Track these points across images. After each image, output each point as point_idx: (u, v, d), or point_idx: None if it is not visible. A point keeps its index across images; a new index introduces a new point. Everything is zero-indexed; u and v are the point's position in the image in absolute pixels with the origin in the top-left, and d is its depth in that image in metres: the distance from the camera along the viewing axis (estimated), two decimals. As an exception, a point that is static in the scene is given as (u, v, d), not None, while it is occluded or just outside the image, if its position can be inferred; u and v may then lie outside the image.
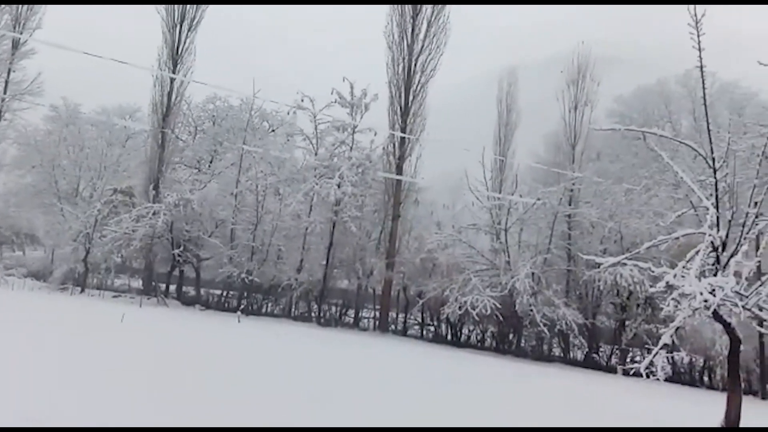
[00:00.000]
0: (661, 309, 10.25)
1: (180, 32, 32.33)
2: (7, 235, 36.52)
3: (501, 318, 22.60)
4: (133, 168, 35.53)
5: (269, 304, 27.94)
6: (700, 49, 10.86)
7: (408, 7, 29.13)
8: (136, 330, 15.77)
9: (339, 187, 26.13)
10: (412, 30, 29.07)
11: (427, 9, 29.20)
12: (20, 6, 34.96)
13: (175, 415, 6.90)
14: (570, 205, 24.18)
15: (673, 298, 9.87)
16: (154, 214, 26.93)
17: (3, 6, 34.36)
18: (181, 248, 27.87)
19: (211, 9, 33.02)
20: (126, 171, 35.91)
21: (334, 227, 26.95)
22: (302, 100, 29.04)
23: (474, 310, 21.55)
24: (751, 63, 18.65)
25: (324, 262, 27.01)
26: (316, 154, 29.26)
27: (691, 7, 10.70)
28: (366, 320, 27.23)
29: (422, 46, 28.94)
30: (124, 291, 29.27)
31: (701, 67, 11.16)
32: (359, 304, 27.44)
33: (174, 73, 32.16)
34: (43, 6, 35.04)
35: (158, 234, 27.63)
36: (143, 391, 8.10)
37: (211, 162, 33.35)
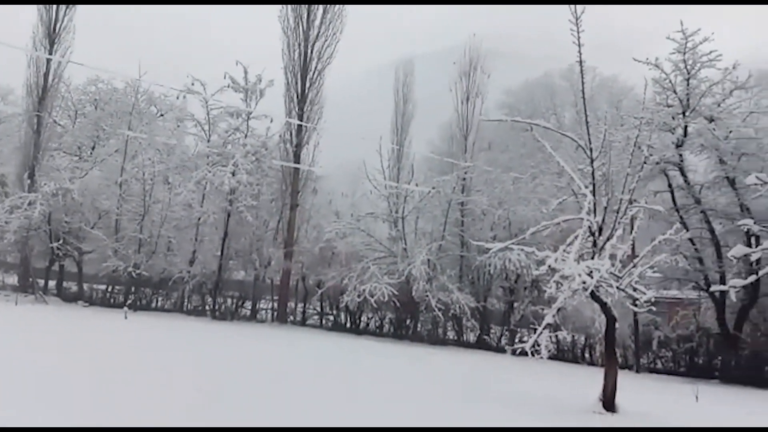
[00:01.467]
0: (545, 291, 10.77)
1: (57, 9, 29.90)
2: None
3: (398, 304, 22.99)
4: (6, 154, 32.55)
5: (160, 299, 26.69)
6: (579, 45, 11.50)
7: (303, -7, 28.62)
8: (10, 330, 14.51)
9: (233, 175, 25.38)
10: (308, 16, 28.62)
11: (321, -7, 28.80)
12: None
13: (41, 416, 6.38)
14: (463, 193, 24.96)
15: (554, 281, 10.40)
16: (29, 204, 24.87)
17: None
18: (61, 241, 25.98)
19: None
20: (-3, 158, 32.85)
21: (228, 217, 26.17)
22: (192, 84, 27.86)
23: (372, 297, 21.79)
24: (627, 59, 20.06)
25: (219, 254, 26.19)
26: (208, 141, 28.21)
27: (572, 5, 11.32)
28: (264, 312, 26.73)
29: (318, 33, 28.57)
30: (-3, 288, 26.87)
31: (580, 62, 11.83)
32: (256, 296, 26.89)
33: (51, 53, 29.74)
34: None
35: (35, 226, 25.55)
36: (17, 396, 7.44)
37: (93, 148, 31.07)
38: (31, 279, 26.69)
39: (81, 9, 30.37)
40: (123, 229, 26.63)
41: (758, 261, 17.78)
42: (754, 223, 17.77)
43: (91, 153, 30.45)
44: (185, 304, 26.17)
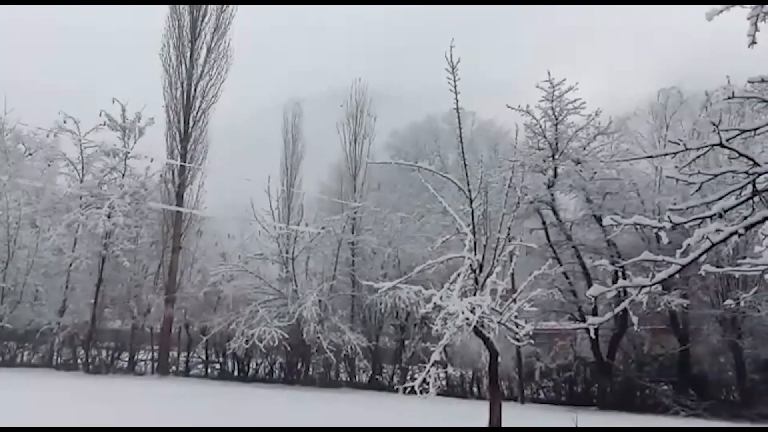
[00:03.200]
0: (433, 328, 10.96)
1: None
2: None
3: (289, 348, 22.44)
4: None
5: (26, 353, 24.29)
6: (456, 92, 12.11)
7: (186, 31, 28.13)
8: None
9: (109, 217, 23.92)
10: (191, 55, 28.06)
11: (206, 35, 28.47)
12: None
13: None
14: (353, 232, 25.10)
15: (440, 318, 10.62)
16: None
17: None
18: None
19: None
20: None
21: (103, 262, 24.52)
22: (65, 122, 26.29)
23: (261, 342, 21.11)
24: (502, 104, 21.39)
25: (92, 302, 24.36)
26: (81, 182, 26.50)
27: (449, 53, 11.93)
28: (143, 363, 25.04)
29: (202, 72, 28.06)
30: None
31: (457, 108, 12.44)
32: (134, 346, 25.14)
33: None
34: None
35: None
36: None
37: (-52, 190, 28.19)
38: None
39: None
40: (-17, 277, 24.13)
41: (624, 292, 19.18)
42: (613, 260, 19.21)
43: (-55, 194, 27.54)
44: (55, 357, 23.98)
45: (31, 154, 31.31)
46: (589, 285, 20.81)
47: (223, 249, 26.92)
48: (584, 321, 20.93)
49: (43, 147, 30.45)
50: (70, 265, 24.31)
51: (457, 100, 12.23)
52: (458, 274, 11.46)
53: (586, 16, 69.89)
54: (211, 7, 28.67)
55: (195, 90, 27.90)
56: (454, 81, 12.01)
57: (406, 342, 23.18)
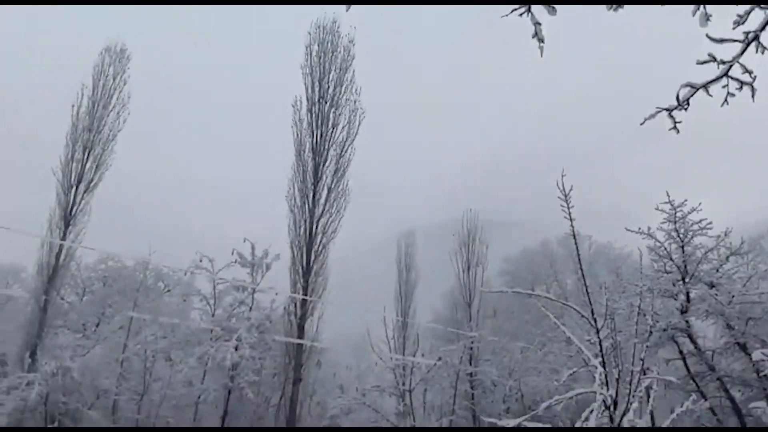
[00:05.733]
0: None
1: (76, 193, 31.67)
2: None
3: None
4: (9, 333, 32.39)
5: (152, 485, 24.95)
6: (571, 220, 12.06)
7: (309, 175, 30.57)
8: None
9: (236, 350, 25.04)
10: (314, 195, 30.21)
11: (327, 177, 30.77)
12: None
13: None
14: (471, 363, 24.46)
15: (575, 460, 9.89)
16: (27, 384, 24.20)
17: None
18: (56, 423, 24.86)
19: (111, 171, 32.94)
20: (1, 336, 32.66)
21: (229, 394, 25.34)
22: (200, 260, 28.60)
23: (380, 480, 20.36)
24: (619, 227, 20.85)
25: (214, 435, 24.98)
26: (213, 315, 28.26)
27: (559, 182, 12.10)
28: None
29: (323, 210, 29.98)
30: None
31: (574, 235, 12.34)
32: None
33: (65, 233, 30.96)
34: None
35: (30, 407, 24.64)
36: None
37: (97, 325, 31.09)
38: (18, 467, 25.15)
39: (99, 192, 32.16)
40: (121, 409, 25.69)
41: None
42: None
43: (95, 330, 30.38)
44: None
45: (169, 291, 34.25)
46: (741, 421, 18.54)
47: (341, 380, 27.04)
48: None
49: (180, 284, 33.29)
50: (199, 397, 25.35)
51: (572, 227, 12.14)
52: (591, 411, 10.77)
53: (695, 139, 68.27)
54: (332, 152, 31.28)
55: (317, 227, 29.71)
56: (568, 208, 12.02)
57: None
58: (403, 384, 23.80)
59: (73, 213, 31.31)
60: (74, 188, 31.66)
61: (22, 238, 30.52)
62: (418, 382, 23.83)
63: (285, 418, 25.26)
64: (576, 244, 12.56)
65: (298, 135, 30.86)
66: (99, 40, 34.15)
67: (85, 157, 32.44)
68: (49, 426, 24.75)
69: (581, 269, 12.81)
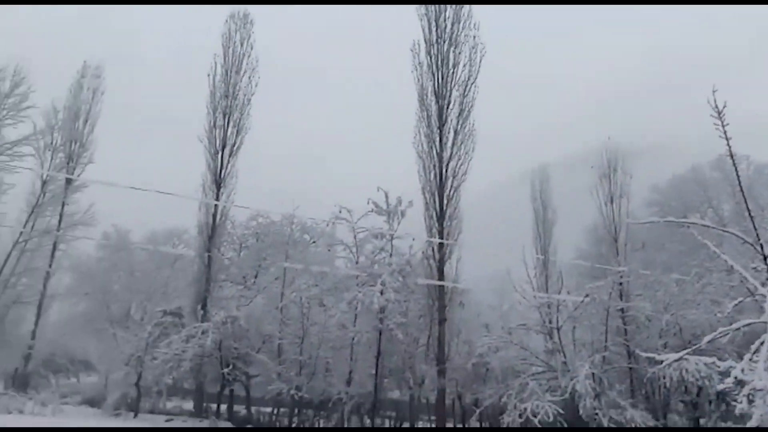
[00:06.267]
0: (735, 406, 9.82)
1: (222, 157, 34.22)
2: (62, 363, 37.14)
3: (565, 424, 21.57)
4: (182, 289, 36.36)
5: (321, 421, 27.29)
6: (727, 138, 11.04)
7: (434, 120, 30.49)
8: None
9: (382, 294, 26.15)
10: (440, 139, 30.18)
11: (452, 120, 30.51)
12: (73, 143, 37.97)
13: None
14: (621, 299, 23.68)
15: (744, 395, 9.50)
16: (203, 333, 27.21)
17: (58, 144, 37.33)
18: (230, 366, 27.83)
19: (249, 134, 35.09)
20: (175, 292, 36.78)
21: (380, 335, 26.72)
22: (340, 212, 29.86)
23: (536, 417, 20.64)
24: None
25: (373, 372, 26.56)
26: (356, 263, 29.65)
27: (711, 98, 10.98)
28: (423, 433, 26.27)
29: (451, 153, 29.89)
30: (176, 414, 29.10)
31: (731, 155, 11.31)
32: (414, 416, 26.56)
33: (218, 195, 33.76)
34: (94, 143, 38.25)
35: (207, 353, 27.76)
36: None
37: (256, 277, 33.99)
38: (204, 404, 28.67)
39: (241, 155, 34.54)
40: (285, 352, 28.10)
41: None
42: None
43: (254, 282, 33.25)
44: (345, 425, 26.50)
45: (314, 242, 36.35)
46: None
47: (485, 320, 27.44)
48: None
49: (323, 235, 35.20)
50: (353, 338, 27.02)
51: (729, 146, 11.17)
52: (761, 343, 10.16)
53: None
54: (455, 93, 30.88)
55: (446, 171, 29.79)
56: (723, 126, 11.07)
57: (702, 420, 20.56)
58: (550, 322, 23.66)
59: (222, 176, 34.03)
60: (220, 153, 34.29)
61: (181, 202, 33.74)
62: (565, 319, 23.54)
63: (434, 356, 26.30)
64: (734, 164, 11.60)
65: (418, 79, 30.70)
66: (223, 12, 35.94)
67: (226, 122, 34.88)
68: (225, 369, 27.72)
69: (742, 192, 11.88)
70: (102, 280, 36.19)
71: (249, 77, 35.41)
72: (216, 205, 33.46)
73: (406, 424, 26.39)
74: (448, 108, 30.66)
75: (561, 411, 20.92)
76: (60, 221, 36.18)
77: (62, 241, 36.31)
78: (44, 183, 35.97)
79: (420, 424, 26.65)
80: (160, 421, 26.59)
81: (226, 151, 34.41)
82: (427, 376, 25.58)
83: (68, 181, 36.50)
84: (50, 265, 35.44)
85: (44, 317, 36.17)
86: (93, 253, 38.15)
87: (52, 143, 36.92)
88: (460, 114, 30.42)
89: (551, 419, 20.60)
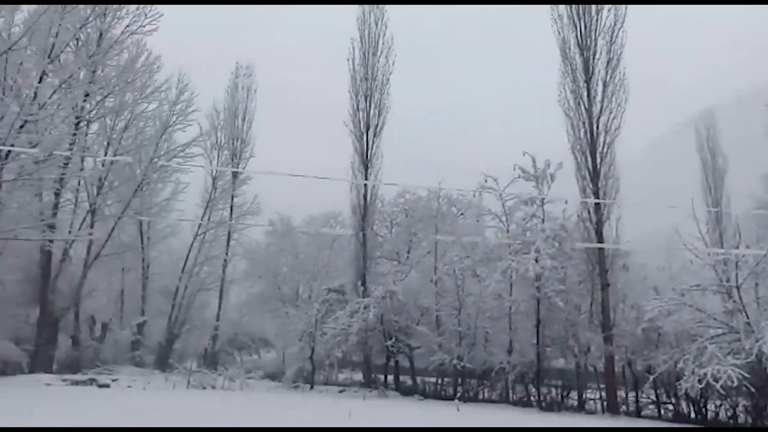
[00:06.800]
0: None
1: (367, 139, 35.32)
2: (244, 341, 41.25)
3: (752, 389, 19.81)
4: (342, 267, 38.47)
5: (485, 390, 27.59)
6: None
7: (579, 73, 28.87)
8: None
9: (537, 261, 25.59)
10: (588, 93, 28.56)
11: (599, 71, 28.68)
12: (235, 141, 41.41)
13: None
14: (815, 251, 21.03)
15: None
16: (365, 308, 28.57)
17: (222, 143, 40.94)
18: (393, 339, 29.00)
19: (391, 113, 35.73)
20: (336, 271, 39.04)
21: (539, 304, 26.22)
22: (486, 181, 29.50)
23: (717, 382, 19.15)
24: None
25: (534, 342, 26.21)
26: (507, 231, 29.25)
27: None
28: (592, 402, 25.49)
29: (601, 107, 28.20)
30: (347, 385, 31.09)
31: None
32: (581, 385, 25.88)
33: (366, 175, 34.98)
34: (253, 138, 41.47)
35: (371, 327, 29.14)
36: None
37: (408, 252, 34.93)
38: (372, 375, 30.22)
39: (384, 134, 35.40)
40: (443, 323, 28.67)
41: None
42: None
43: (407, 257, 34.20)
44: (510, 394, 26.56)
45: (462, 214, 36.46)
46: None
47: (653, 282, 25.78)
48: None
49: (471, 206, 35.16)
50: (510, 308, 26.84)
51: None
52: None
53: None
54: (600, 42, 28.93)
55: (597, 126, 28.17)
56: None
57: None
58: (728, 280, 21.62)
59: (368, 157, 35.18)
60: (365, 135, 35.41)
61: (333, 185, 35.32)
62: (746, 276, 21.37)
63: (599, 323, 25.30)
64: None
65: (559, 32, 29.16)
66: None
67: (368, 104, 35.85)
68: (388, 342, 28.90)
69: None
70: (272, 264, 39.51)
71: (386, 56, 36.00)
72: (365, 185, 34.73)
73: (574, 393, 25.76)
74: (594, 59, 28.87)
75: (746, 375, 19.19)
76: (231, 212, 40.02)
77: (234, 231, 40.14)
78: (214, 179, 39.79)
79: (588, 393, 25.87)
80: (333, 392, 28.49)
81: (370, 132, 35.45)
82: (593, 343, 24.70)
83: (234, 176, 40.10)
84: (227, 253, 39.42)
85: (225, 300, 40.46)
86: (261, 239, 41.73)
87: (217, 142, 40.72)
88: (608, 64, 28.51)
89: (735, 383, 19.00)
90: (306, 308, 32.77)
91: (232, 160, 41.13)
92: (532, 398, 25.84)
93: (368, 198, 34.80)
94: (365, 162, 35.18)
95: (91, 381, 25.82)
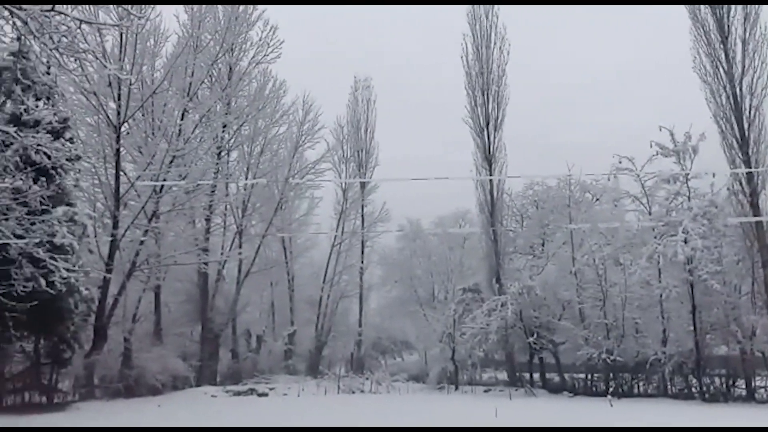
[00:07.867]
0: None
1: (488, 134, 34.84)
2: (387, 345, 42.38)
3: None
4: (475, 266, 38.22)
5: (640, 383, 26.06)
6: None
7: (713, 34, 26.53)
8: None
9: (686, 242, 23.77)
10: (726, 55, 26.20)
11: (736, 29, 26.20)
12: (360, 152, 42.74)
13: None
14: None
15: None
16: (502, 305, 28.16)
17: (348, 156, 42.43)
18: (535, 335, 28.25)
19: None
20: (469, 270, 38.87)
21: (692, 288, 24.32)
22: (620, 162, 27.96)
23: None
24: None
25: (691, 329, 24.33)
26: (650, 213, 27.48)
27: None
28: (762, 390, 23.16)
29: (743, 68, 25.80)
30: (492, 384, 30.81)
31: None
32: (748, 373, 23.59)
33: (490, 170, 34.50)
34: (376, 148, 42.66)
35: (510, 324, 28.66)
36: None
37: (542, 245, 33.89)
38: (517, 374, 29.68)
39: (506, 129, 34.73)
40: (587, 316, 27.47)
41: None
42: None
43: (542, 250, 33.22)
44: (668, 386, 24.87)
45: (597, 199, 34.69)
46: None
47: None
48: None
49: (606, 191, 33.35)
50: (661, 295, 25.14)
51: None
52: None
53: None
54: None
55: (740, 89, 25.78)
56: None
57: None
58: None
59: (491, 152, 34.66)
60: (485, 130, 34.93)
61: (459, 185, 35.33)
62: None
63: (763, 303, 22.99)
64: None
65: (687, -7, 27.05)
66: None
67: (485, 99, 35.35)
68: (530, 338, 28.23)
69: None
70: (406, 268, 40.22)
71: (499, 48, 35.31)
72: (491, 181, 34.26)
73: (740, 382, 23.57)
74: (728, 16, 26.45)
75: None
76: (363, 221, 41.33)
77: (367, 239, 41.36)
78: (344, 191, 41.40)
79: (758, 381, 23.51)
80: (479, 392, 28.38)
81: (490, 126, 34.94)
82: (758, 326, 22.53)
83: (362, 186, 41.38)
84: (362, 261, 40.68)
85: (366, 306, 41.79)
86: (394, 244, 42.59)
87: (343, 156, 42.23)
88: (745, 19, 26.00)
89: None
90: (443, 309, 32.98)
91: (359, 170, 42.48)
92: (693, 389, 24.04)
93: (494, 194, 34.26)
94: (488, 157, 34.72)
95: (251, 391, 27.83)
